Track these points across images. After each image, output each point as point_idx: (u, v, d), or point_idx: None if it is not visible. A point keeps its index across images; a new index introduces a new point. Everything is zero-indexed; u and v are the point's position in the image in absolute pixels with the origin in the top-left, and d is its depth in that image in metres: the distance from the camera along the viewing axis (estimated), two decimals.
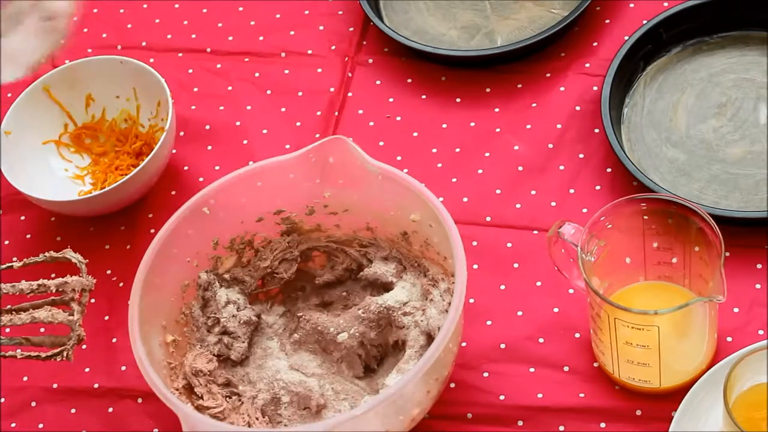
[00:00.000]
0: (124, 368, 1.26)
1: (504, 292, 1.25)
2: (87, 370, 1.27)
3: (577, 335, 1.20)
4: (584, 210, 1.28)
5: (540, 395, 1.18)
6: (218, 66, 1.47)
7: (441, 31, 1.44)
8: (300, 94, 1.41)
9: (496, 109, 1.37)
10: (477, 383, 1.19)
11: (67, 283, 1.08)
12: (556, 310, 1.22)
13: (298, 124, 1.40)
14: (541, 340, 1.21)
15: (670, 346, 1.10)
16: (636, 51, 1.35)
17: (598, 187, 1.30)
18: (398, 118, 1.39)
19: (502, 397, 1.18)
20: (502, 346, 1.21)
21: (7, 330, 1.18)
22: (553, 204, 1.29)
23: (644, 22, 1.36)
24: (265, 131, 1.40)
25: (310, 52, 1.46)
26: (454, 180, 1.33)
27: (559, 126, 1.35)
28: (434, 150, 1.35)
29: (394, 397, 1.06)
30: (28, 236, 1.37)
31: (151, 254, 1.17)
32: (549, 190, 1.30)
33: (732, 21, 1.36)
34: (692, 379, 1.13)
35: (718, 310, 1.14)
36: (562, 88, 1.37)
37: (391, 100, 1.40)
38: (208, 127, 1.42)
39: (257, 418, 1.17)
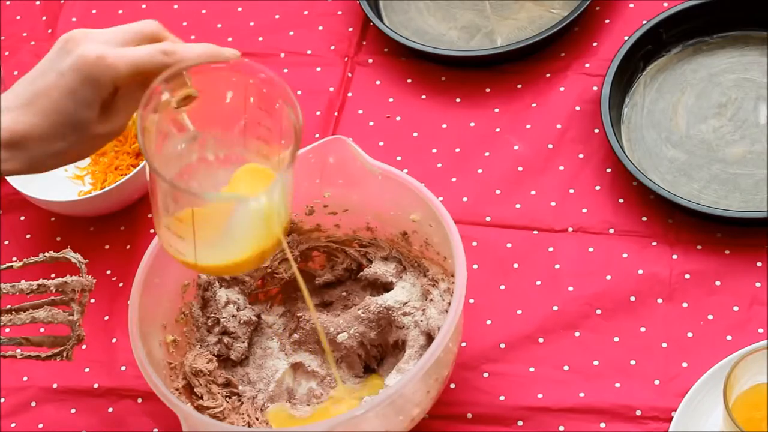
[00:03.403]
0: (124, 368, 1.26)
1: (504, 292, 1.25)
2: (87, 370, 1.27)
3: (577, 334, 1.21)
4: (584, 210, 1.28)
5: (540, 395, 1.18)
6: None
7: (441, 31, 1.44)
8: (299, 93, 1.41)
9: (496, 109, 1.37)
10: (477, 383, 1.19)
11: (67, 283, 1.08)
12: (555, 309, 1.22)
13: None
14: (541, 340, 1.21)
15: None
16: (636, 51, 1.35)
17: (598, 187, 1.30)
18: (398, 118, 1.39)
19: (502, 397, 1.18)
20: (502, 346, 1.21)
21: (7, 330, 1.18)
22: (553, 204, 1.29)
23: (644, 22, 1.36)
24: None
25: (309, 52, 1.46)
26: (454, 180, 1.33)
27: (559, 126, 1.35)
28: (434, 150, 1.35)
29: (394, 397, 1.07)
30: (28, 236, 1.37)
31: (151, 254, 1.17)
32: (549, 190, 1.30)
33: (732, 21, 1.36)
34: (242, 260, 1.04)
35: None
36: (562, 88, 1.37)
37: (391, 100, 1.40)
38: None
39: (257, 418, 1.18)
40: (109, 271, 1.32)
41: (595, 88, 1.36)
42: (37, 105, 0.97)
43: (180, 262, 1.03)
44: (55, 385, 1.26)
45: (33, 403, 1.26)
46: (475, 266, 1.26)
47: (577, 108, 1.35)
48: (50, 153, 0.98)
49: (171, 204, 1.00)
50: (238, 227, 1.01)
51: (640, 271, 1.23)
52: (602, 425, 1.15)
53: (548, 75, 1.39)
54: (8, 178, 1.33)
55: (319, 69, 1.44)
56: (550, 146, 1.33)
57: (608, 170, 1.31)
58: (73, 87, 0.96)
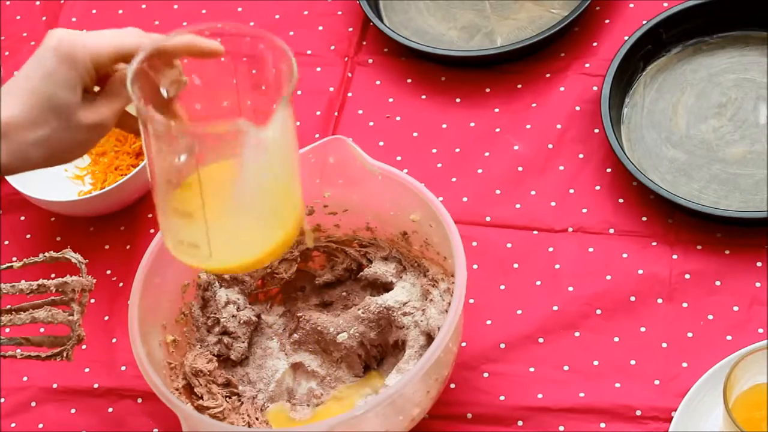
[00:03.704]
0: (124, 368, 1.26)
1: (504, 292, 1.25)
2: (87, 370, 1.27)
3: (577, 334, 1.20)
4: (584, 210, 1.28)
5: (540, 395, 1.18)
6: None
7: (441, 31, 1.44)
8: (299, 93, 1.41)
9: (496, 109, 1.37)
10: (477, 383, 1.19)
11: (67, 283, 1.08)
12: (555, 309, 1.22)
13: (298, 123, 1.39)
14: (540, 340, 1.21)
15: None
16: (636, 51, 1.35)
17: (598, 187, 1.30)
18: (398, 118, 1.39)
19: (502, 397, 1.18)
20: (502, 346, 1.21)
21: (7, 330, 1.18)
22: (553, 204, 1.29)
23: (644, 22, 1.36)
24: None
25: (309, 52, 1.46)
26: (454, 180, 1.33)
27: (559, 126, 1.35)
28: (434, 150, 1.35)
29: (394, 397, 1.06)
30: (28, 236, 1.37)
31: (151, 254, 1.17)
32: (549, 190, 1.30)
33: (732, 21, 1.36)
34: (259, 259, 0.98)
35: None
36: (562, 88, 1.37)
37: (391, 100, 1.40)
38: None
39: (257, 418, 1.18)
40: (109, 271, 1.32)
41: (595, 88, 1.36)
42: (17, 92, 0.96)
43: (192, 265, 0.98)
44: (55, 385, 1.26)
45: (33, 403, 1.26)
46: (475, 266, 1.26)
47: (577, 108, 1.35)
48: (33, 141, 0.96)
49: (174, 172, 0.95)
50: (249, 181, 0.95)
51: (640, 271, 1.23)
52: (602, 425, 1.15)
53: (548, 75, 1.39)
54: (8, 178, 1.33)
55: (319, 69, 1.44)
56: (550, 146, 1.33)
57: (608, 170, 1.31)
58: (51, 68, 0.95)
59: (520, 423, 1.17)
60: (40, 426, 1.24)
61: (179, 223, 0.97)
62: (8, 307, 1.09)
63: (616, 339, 1.20)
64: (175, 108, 0.99)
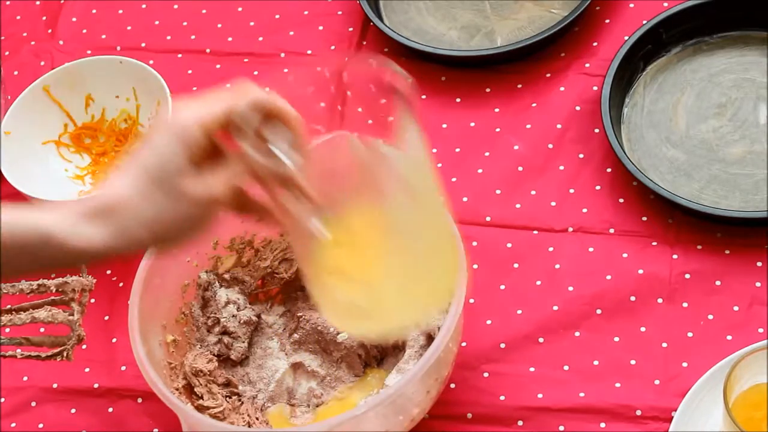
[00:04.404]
0: (124, 368, 1.26)
1: (504, 291, 1.25)
2: (87, 370, 1.26)
3: (577, 334, 1.20)
4: (584, 210, 1.28)
5: (540, 395, 1.18)
6: (218, 67, 1.47)
7: (441, 31, 1.44)
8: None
9: (496, 109, 1.37)
10: (477, 383, 1.19)
11: (67, 283, 1.08)
12: (555, 309, 1.22)
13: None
14: (541, 340, 1.21)
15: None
16: (636, 51, 1.35)
17: (598, 187, 1.30)
18: None
19: (502, 397, 1.18)
20: (502, 345, 1.21)
21: (7, 330, 1.18)
22: (553, 204, 1.29)
23: (644, 22, 1.36)
24: None
25: (309, 52, 1.46)
26: (454, 180, 1.33)
27: (559, 126, 1.35)
28: (434, 150, 1.35)
29: (393, 397, 1.07)
30: None
31: (151, 254, 1.17)
32: (549, 190, 1.30)
33: (732, 21, 1.36)
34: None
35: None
36: (562, 88, 1.37)
37: None
38: None
39: (257, 418, 1.18)
40: (109, 271, 1.32)
41: (595, 88, 1.36)
42: (125, 170, 0.91)
43: (363, 332, 0.90)
44: (55, 385, 1.26)
45: (33, 403, 1.25)
46: (475, 266, 1.26)
47: (577, 108, 1.35)
48: (139, 218, 0.90)
49: (315, 226, 0.88)
50: (400, 215, 0.87)
51: (640, 271, 1.23)
52: (602, 425, 1.15)
53: (548, 75, 1.39)
54: (8, 177, 1.33)
55: (318, 69, 1.44)
56: (550, 146, 1.33)
57: (608, 170, 1.31)
58: (157, 141, 0.91)
59: (520, 423, 1.17)
60: (40, 426, 1.24)
61: (333, 283, 0.91)
62: (8, 307, 1.09)
63: (616, 339, 1.20)
64: (300, 182, 0.92)
